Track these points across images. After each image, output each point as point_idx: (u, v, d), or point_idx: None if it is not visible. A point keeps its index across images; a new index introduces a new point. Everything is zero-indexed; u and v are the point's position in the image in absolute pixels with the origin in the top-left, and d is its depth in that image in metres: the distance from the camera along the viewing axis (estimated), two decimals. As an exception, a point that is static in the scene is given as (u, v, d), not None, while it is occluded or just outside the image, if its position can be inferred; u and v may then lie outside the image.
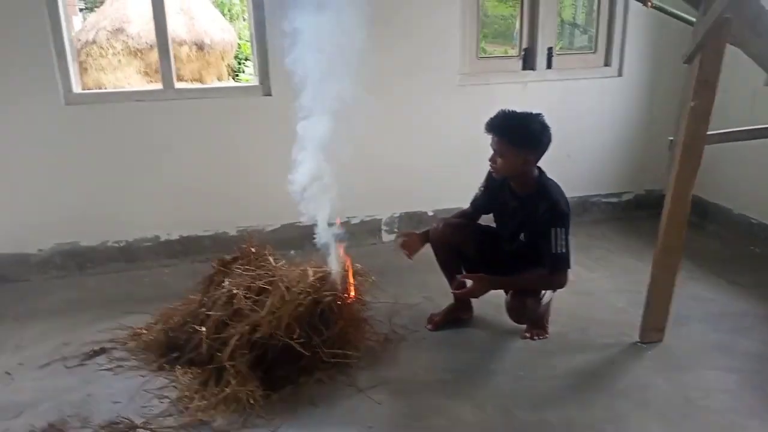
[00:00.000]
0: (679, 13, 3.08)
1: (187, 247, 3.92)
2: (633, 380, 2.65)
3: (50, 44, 3.43)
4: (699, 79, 2.49)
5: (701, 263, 3.71)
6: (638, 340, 2.92)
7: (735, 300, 3.34)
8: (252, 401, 2.47)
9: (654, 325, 2.87)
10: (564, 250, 2.63)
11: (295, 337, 2.57)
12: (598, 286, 3.54)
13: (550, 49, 4.20)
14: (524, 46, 4.23)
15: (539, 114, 2.69)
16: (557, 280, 2.73)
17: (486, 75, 4.18)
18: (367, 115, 3.76)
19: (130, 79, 8.45)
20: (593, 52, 4.36)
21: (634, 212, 4.60)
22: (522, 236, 2.79)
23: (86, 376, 2.74)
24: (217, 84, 8.19)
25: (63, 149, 3.60)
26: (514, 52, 4.42)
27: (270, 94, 3.72)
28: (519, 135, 2.65)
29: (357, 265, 3.09)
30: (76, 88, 3.58)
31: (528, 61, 4.24)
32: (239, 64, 9.96)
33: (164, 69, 3.68)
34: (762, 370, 2.70)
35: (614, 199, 4.60)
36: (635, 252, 3.98)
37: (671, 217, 2.70)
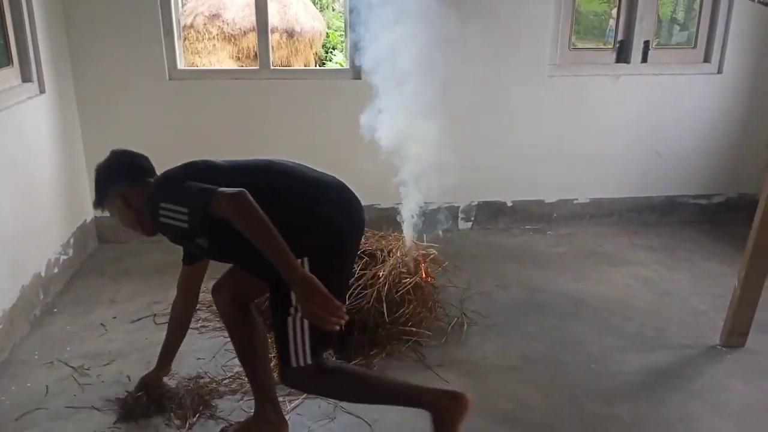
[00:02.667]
0: (788, 7, 2.94)
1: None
2: (710, 382, 2.58)
3: (159, 21, 3.63)
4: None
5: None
6: (718, 343, 2.83)
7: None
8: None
9: (737, 328, 2.77)
10: (187, 197, 1.82)
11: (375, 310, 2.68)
12: (680, 288, 3.44)
13: (646, 43, 4.08)
14: (619, 38, 4.12)
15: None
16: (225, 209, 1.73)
17: (577, 66, 4.11)
18: (455, 103, 3.77)
19: (223, 63, 8.80)
20: (693, 47, 4.19)
21: (724, 215, 4.40)
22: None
23: (173, 333, 2.93)
24: (309, 67, 8.39)
25: (164, 121, 3.82)
26: (606, 49, 4.32)
27: (359, 78, 3.80)
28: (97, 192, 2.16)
29: (433, 250, 3.15)
30: (180, 65, 3.79)
31: (622, 54, 4.12)
32: (326, 53, 10.17)
33: (261, 50, 3.83)
34: None
35: (704, 201, 4.42)
36: (722, 256, 3.82)
37: (765, 216, 2.59)
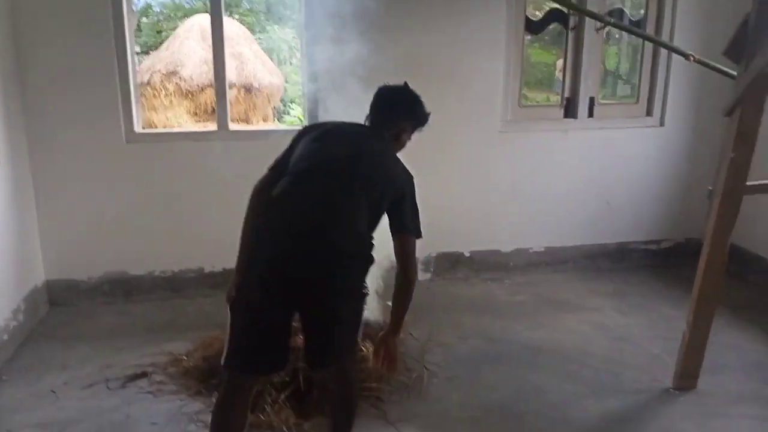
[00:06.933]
0: (720, 67, 3.13)
1: (228, 279, 4.03)
2: (664, 426, 2.63)
3: (116, 85, 3.67)
4: (739, 131, 2.54)
5: (740, 313, 3.65)
6: (671, 386, 2.90)
7: (774, 351, 3.27)
8: (285, 429, 2.54)
9: (688, 371, 2.84)
10: None
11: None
12: (634, 332, 3.52)
13: (591, 99, 4.27)
14: (566, 95, 4.31)
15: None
16: None
17: (528, 122, 4.27)
18: (413, 160, 3.88)
19: (180, 118, 8.83)
20: (635, 102, 4.41)
21: (673, 260, 4.54)
22: None
23: (127, 398, 2.85)
24: (267, 126, 8.49)
25: (119, 184, 3.81)
26: (555, 98, 4.48)
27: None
28: None
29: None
30: (137, 128, 3.81)
31: (570, 110, 4.31)
32: (284, 106, 10.31)
33: (220, 111, 3.87)
34: (797, 422, 2.65)
35: (653, 246, 4.57)
36: (673, 300, 3.92)
37: (708, 264, 2.70)
